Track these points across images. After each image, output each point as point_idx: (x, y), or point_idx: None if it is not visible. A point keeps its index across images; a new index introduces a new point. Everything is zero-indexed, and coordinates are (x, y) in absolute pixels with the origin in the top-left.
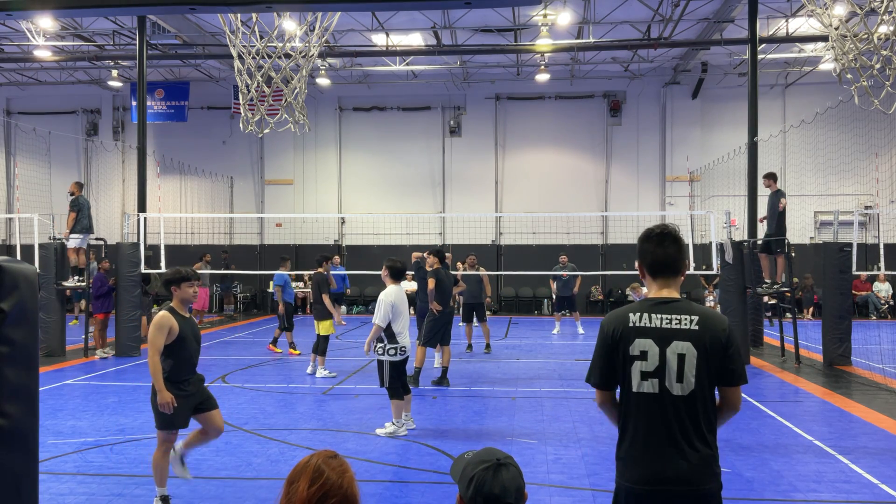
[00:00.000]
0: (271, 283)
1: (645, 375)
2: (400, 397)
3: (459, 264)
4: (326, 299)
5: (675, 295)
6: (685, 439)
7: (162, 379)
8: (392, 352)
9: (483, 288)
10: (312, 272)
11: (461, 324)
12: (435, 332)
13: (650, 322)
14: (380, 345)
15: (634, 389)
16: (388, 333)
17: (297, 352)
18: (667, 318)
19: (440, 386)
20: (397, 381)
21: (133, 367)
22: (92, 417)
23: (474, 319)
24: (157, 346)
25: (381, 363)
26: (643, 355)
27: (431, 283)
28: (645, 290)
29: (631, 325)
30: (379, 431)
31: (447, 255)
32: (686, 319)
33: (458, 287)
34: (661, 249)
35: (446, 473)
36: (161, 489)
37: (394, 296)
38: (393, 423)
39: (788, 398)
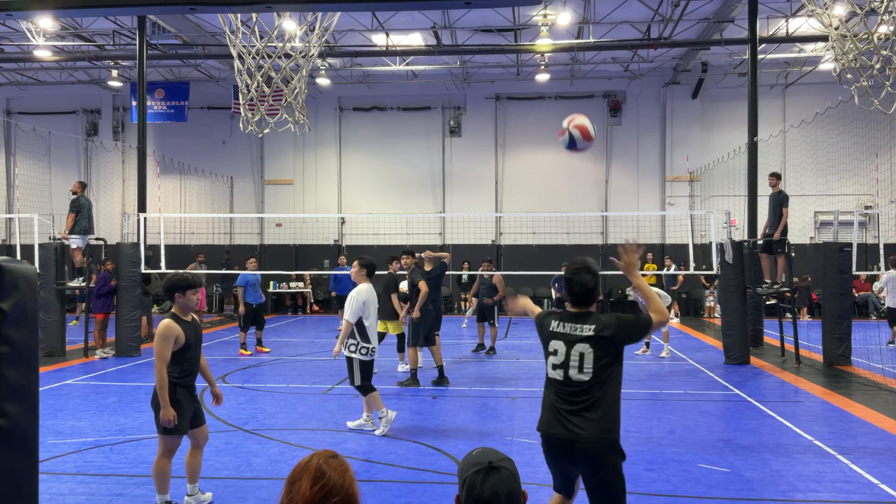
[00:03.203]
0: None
1: (556, 365)
2: (374, 390)
3: (464, 265)
4: (395, 299)
5: (587, 311)
6: (584, 411)
7: (168, 394)
8: (364, 350)
9: (496, 291)
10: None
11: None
12: (418, 333)
13: (561, 327)
14: (352, 341)
15: (548, 375)
16: (361, 332)
17: (248, 352)
18: (572, 328)
19: (440, 385)
20: (367, 378)
21: (133, 367)
22: (92, 417)
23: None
24: (165, 357)
25: (350, 361)
26: (555, 349)
27: (424, 287)
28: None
29: (550, 330)
30: (349, 424)
31: (446, 254)
32: (587, 328)
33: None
34: (584, 290)
35: (446, 473)
36: (163, 496)
37: (365, 294)
38: (364, 417)
39: (788, 398)
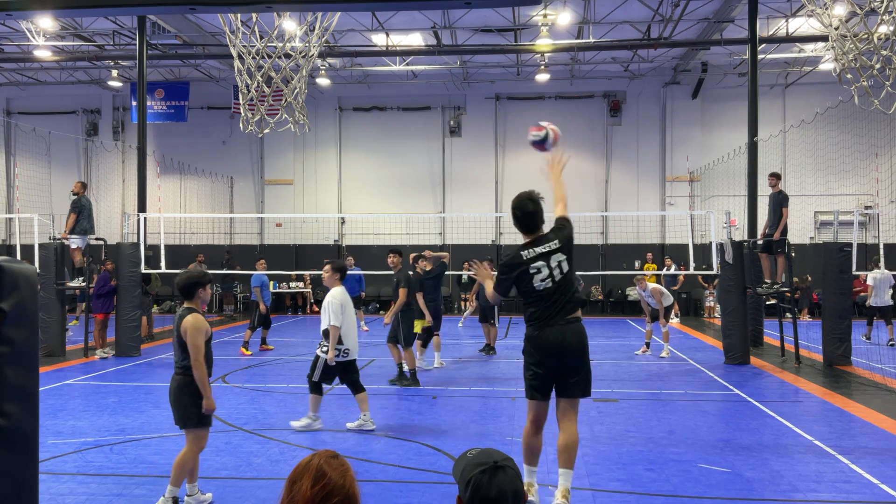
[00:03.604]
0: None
1: (542, 280)
2: (319, 392)
3: (465, 265)
4: (420, 298)
5: (540, 234)
6: (570, 307)
7: (209, 385)
8: (346, 353)
9: None
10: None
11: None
12: (398, 334)
13: (536, 251)
14: (325, 342)
15: (537, 287)
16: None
17: (249, 352)
18: (544, 247)
19: (404, 385)
20: (326, 379)
21: (133, 367)
22: (92, 417)
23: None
24: (203, 349)
25: (317, 357)
26: (539, 270)
27: (403, 296)
28: (647, 284)
29: (525, 258)
30: (294, 424)
31: (445, 254)
32: (553, 244)
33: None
34: (525, 214)
35: (446, 473)
36: (175, 489)
37: (340, 297)
38: (308, 417)
39: (788, 398)
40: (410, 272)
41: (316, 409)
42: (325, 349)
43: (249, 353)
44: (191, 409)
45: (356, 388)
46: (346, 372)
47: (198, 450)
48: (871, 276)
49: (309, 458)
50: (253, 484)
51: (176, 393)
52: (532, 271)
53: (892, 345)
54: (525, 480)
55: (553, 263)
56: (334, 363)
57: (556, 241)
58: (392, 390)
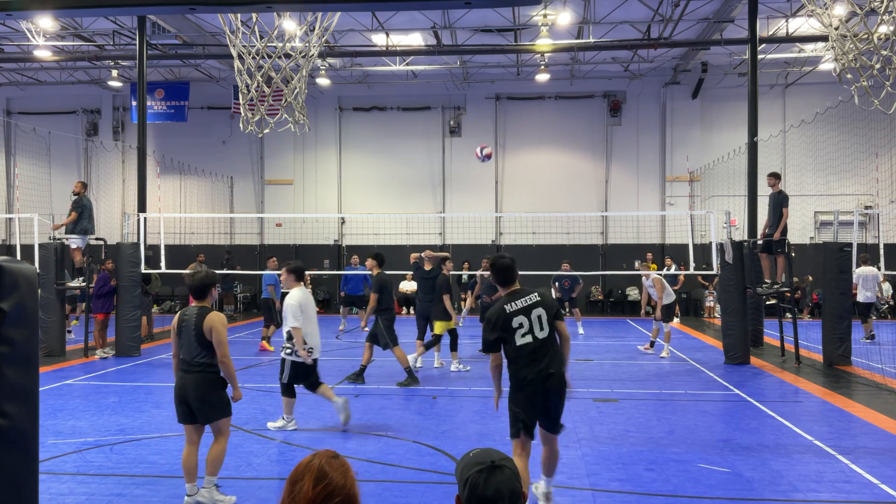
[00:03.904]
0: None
1: (523, 335)
2: (291, 395)
3: (465, 265)
4: (447, 300)
5: (518, 287)
6: (549, 358)
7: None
8: (309, 352)
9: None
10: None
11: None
12: (382, 336)
13: (517, 306)
14: (288, 346)
15: (518, 344)
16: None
17: (272, 348)
18: (524, 302)
19: (355, 382)
20: (296, 380)
21: (133, 367)
22: (92, 417)
23: None
24: (227, 342)
25: (283, 361)
26: (520, 325)
27: (373, 302)
28: (652, 273)
29: (508, 312)
30: (270, 425)
31: (446, 254)
32: (532, 298)
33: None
34: (504, 270)
35: (446, 473)
36: (213, 478)
37: (297, 298)
38: (283, 419)
39: (788, 398)
40: (446, 272)
41: (290, 411)
42: (288, 351)
43: (272, 348)
44: (219, 402)
45: (314, 387)
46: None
47: (227, 438)
48: (857, 274)
49: (310, 459)
50: (253, 484)
51: (202, 390)
52: (515, 325)
53: (867, 341)
54: None
55: (534, 317)
56: (311, 361)
57: (536, 295)
58: (392, 390)
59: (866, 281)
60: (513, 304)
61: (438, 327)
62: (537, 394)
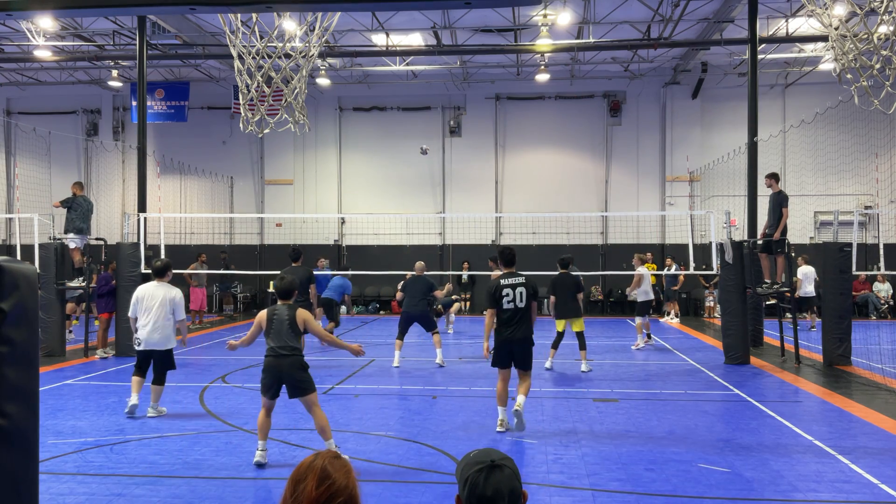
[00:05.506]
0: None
1: (508, 302)
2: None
3: (465, 265)
4: (580, 298)
5: (513, 270)
6: (523, 324)
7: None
8: (137, 342)
9: None
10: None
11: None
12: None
13: (508, 282)
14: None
15: (503, 308)
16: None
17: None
18: (514, 280)
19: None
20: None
21: (133, 366)
22: (92, 417)
23: None
24: (320, 327)
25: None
26: (507, 294)
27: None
28: (645, 266)
29: (501, 284)
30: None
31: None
32: (520, 279)
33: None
34: (507, 256)
35: (446, 473)
36: (331, 441)
37: (140, 291)
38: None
39: (788, 398)
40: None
41: (138, 391)
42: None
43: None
44: (310, 380)
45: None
46: (147, 361)
47: (319, 405)
48: (800, 271)
49: (312, 459)
50: (253, 484)
51: (296, 370)
52: (503, 294)
53: (813, 329)
54: (499, 418)
55: (517, 293)
56: (139, 346)
57: (523, 279)
58: (392, 390)
59: (807, 278)
60: (506, 280)
61: (576, 325)
62: (509, 345)
